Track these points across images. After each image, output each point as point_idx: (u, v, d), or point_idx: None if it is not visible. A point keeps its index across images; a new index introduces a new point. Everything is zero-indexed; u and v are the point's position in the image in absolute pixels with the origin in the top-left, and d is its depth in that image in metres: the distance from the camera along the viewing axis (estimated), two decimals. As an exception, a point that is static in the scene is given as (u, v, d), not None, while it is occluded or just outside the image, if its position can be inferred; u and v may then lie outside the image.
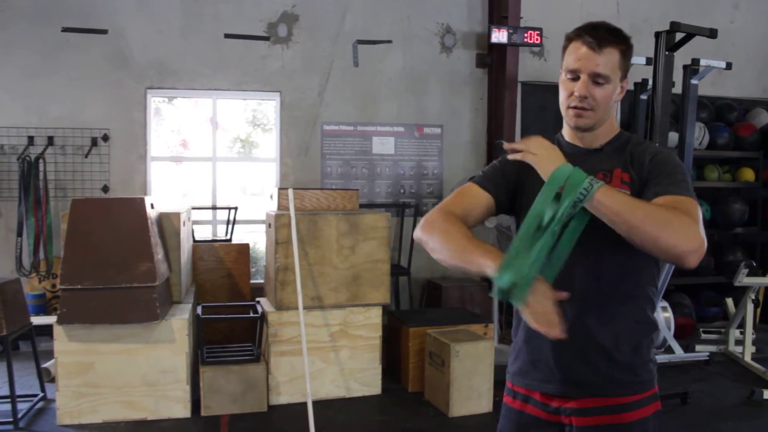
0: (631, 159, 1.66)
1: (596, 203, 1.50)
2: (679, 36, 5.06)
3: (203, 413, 4.12)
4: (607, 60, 1.61)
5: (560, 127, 1.79)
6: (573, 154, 1.69)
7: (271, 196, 4.90)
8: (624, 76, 1.66)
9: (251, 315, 4.62)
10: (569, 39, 1.66)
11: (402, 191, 6.56)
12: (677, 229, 1.44)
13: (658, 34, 5.13)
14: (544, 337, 1.60)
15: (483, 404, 4.26)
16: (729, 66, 5.63)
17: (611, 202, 1.48)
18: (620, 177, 1.64)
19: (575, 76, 1.63)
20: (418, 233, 1.71)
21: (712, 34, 5.06)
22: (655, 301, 1.71)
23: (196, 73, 6.05)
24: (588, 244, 1.59)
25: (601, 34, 1.61)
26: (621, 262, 1.63)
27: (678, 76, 5.36)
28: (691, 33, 5.04)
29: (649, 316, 1.69)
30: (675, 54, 5.09)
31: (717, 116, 6.99)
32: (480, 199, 1.74)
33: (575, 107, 1.64)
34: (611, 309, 1.64)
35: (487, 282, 6.24)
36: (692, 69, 5.43)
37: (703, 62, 5.41)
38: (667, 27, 5.05)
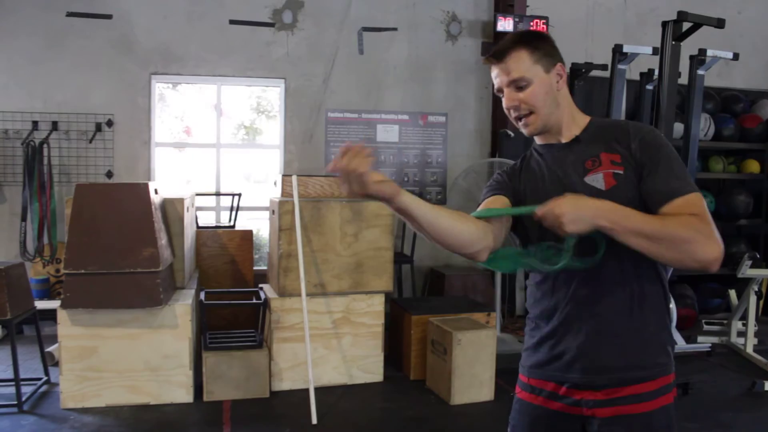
0: (615, 138, 1.65)
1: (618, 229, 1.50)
2: (686, 26, 5.02)
3: (206, 398, 4.15)
4: (515, 63, 1.64)
5: None
6: (551, 152, 1.72)
7: (275, 183, 4.90)
8: (549, 67, 1.66)
9: (254, 301, 4.63)
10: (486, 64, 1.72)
11: (406, 179, 6.56)
12: (700, 244, 1.47)
13: (665, 24, 5.10)
14: (570, 328, 1.64)
15: (484, 392, 4.28)
16: (736, 57, 5.60)
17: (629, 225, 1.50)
18: (609, 159, 1.62)
19: (503, 94, 1.69)
20: None
21: (719, 24, 5.03)
22: (666, 283, 1.71)
23: (201, 59, 6.04)
24: None
25: (500, 46, 1.67)
26: None
27: (684, 66, 5.33)
28: (698, 23, 5.01)
29: (667, 297, 1.69)
30: (682, 44, 5.06)
31: (723, 107, 6.96)
32: (495, 202, 1.73)
33: (517, 117, 1.69)
34: (632, 290, 1.62)
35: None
36: (699, 59, 5.40)
37: (709, 53, 5.38)
38: (674, 17, 5.01)
